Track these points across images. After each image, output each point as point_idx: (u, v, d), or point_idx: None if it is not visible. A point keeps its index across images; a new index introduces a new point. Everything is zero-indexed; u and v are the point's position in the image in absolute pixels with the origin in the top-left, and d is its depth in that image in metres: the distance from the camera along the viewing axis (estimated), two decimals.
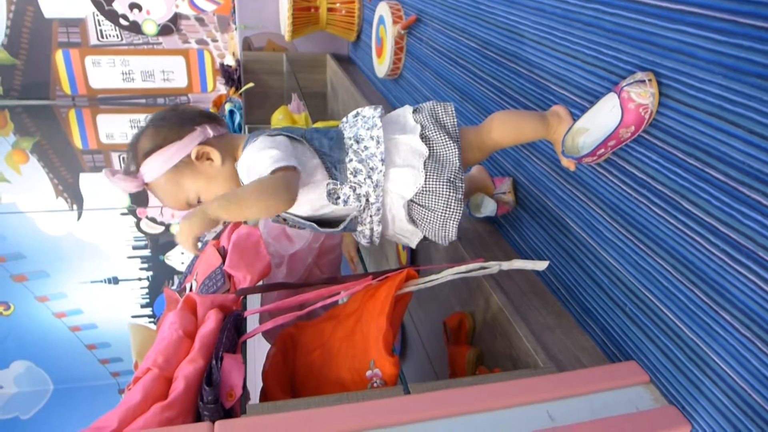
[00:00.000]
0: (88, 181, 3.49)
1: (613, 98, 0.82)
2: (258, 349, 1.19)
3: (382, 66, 2.03)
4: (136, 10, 3.05)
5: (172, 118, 0.93)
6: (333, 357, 0.88)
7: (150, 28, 3.11)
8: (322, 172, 0.86)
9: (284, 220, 0.94)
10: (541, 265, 0.88)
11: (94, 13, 3.04)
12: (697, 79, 0.71)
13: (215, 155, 0.90)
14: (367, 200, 0.87)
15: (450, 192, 0.86)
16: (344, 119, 0.96)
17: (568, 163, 0.97)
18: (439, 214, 0.87)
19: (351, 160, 0.86)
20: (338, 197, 0.86)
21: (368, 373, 0.80)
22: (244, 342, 0.87)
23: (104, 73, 3.20)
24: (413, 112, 0.93)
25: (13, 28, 2.98)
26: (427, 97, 1.71)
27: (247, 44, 2.85)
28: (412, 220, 0.90)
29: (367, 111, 0.93)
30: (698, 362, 0.73)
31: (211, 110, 2.81)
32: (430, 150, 0.88)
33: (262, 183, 0.77)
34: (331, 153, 0.87)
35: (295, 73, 2.69)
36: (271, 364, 0.95)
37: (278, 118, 1.96)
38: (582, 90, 0.94)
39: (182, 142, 0.90)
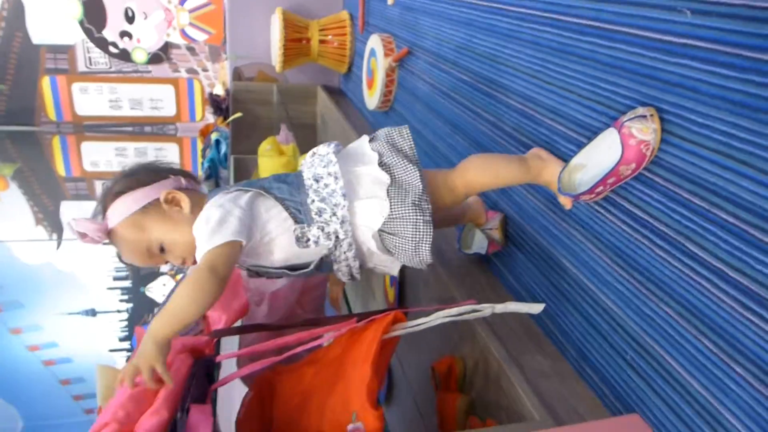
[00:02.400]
0: (69, 210, 3.41)
1: (612, 134, 0.79)
2: (234, 393, 1.11)
3: (372, 98, 2.00)
4: (126, 38, 3.03)
5: (148, 167, 0.93)
6: (313, 406, 0.81)
7: (140, 56, 3.09)
8: (286, 218, 0.85)
9: (257, 273, 0.90)
10: (537, 309, 0.83)
11: (83, 40, 3.02)
12: (701, 114, 0.67)
13: (185, 202, 0.88)
14: (337, 237, 0.85)
15: (416, 215, 0.84)
16: (302, 161, 0.96)
17: (564, 201, 0.93)
18: (410, 239, 0.85)
19: (313, 201, 0.85)
20: (308, 239, 0.85)
21: (350, 426, 0.73)
22: (216, 389, 0.80)
23: (91, 101, 3.16)
24: (370, 141, 0.93)
25: (1, 52, 2.94)
26: (418, 130, 1.68)
27: (237, 74, 2.83)
28: (387, 250, 0.88)
29: (322, 149, 0.93)
30: (707, 418, 0.68)
31: (198, 139, 2.77)
32: (391, 177, 0.87)
33: (189, 285, 0.74)
34: (291, 197, 0.86)
35: (286, 104, 2.66)
36: (246, 411, 0.88)
37: (265, 149, 1.92)
38: (578, 124, 0.91)
39: (153, 186, 0.89)
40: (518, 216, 1.10)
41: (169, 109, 3.25)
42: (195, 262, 0.86)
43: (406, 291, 1.32)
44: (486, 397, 0.92)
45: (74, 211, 3.46)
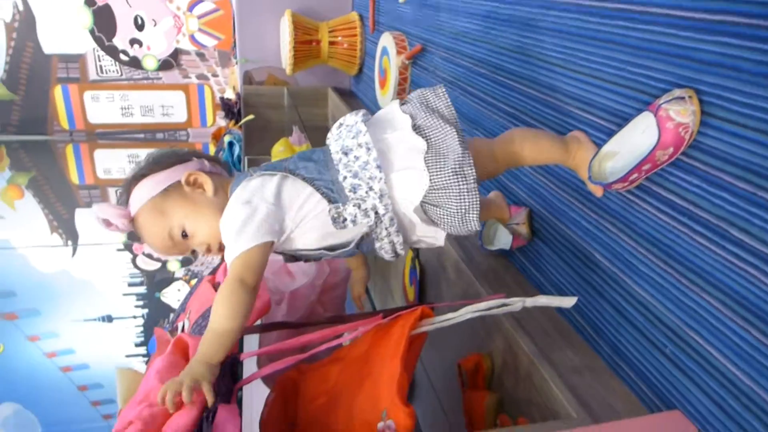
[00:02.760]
0: (84, 217, 3.42)
1: (647, 118, 0.76)
2: (255, 395, 1.09)
3: (385, 97, 1.98)
4: (136, 46, 3.04)
5: (171, 151, 0.90)
6: (339, 405, 0.78)
7: (150, 64, 3.09)
8: (318, 198, 0.79)
9: (293, 257, 0.86)
10: (569, 302, 0.80)
11: (94, 48, 3.03)
12: (743, 93, 0.64)
13: (207, 184, 0.85)
14: (377, 213, 0.79)
15: (459, 183, 0.78)
16: (329, 134, 0.89)
17: (594, 189, 0.90)
18: (455, 210, 0.78)
19: (345, 178, 0.78)
20: (344, 219, 0.79)
21: (380, 424, 0.70)
22: (240, 389, 0.78)
23: (103, 108, 3.17)
24: (401, 105, 0.86)
25: (12, 63, 2.96)
26: None
27: (248, 78, 2.82)
28: (431, 221, 0.82)
29: (349, 118, 0.85)
30: (757, 412, 0.64)
31: (210, 143, 2.76)
32: (427, 141, 0.80)
33: (223, 302, 0.73)
34: (321, 176, 0.80)
35: (297, 106, 2.65)
36: (270, 412, 0.85)
37: (279, 150, 1.90)
38: (607, 112, 0.88)
39: (174, 168, 0.86)
40: (544, 209, 1.07)
41: (180, 115, 3.25)
42: (220, 251, 0.84)
43: (426, 290, 1.30)
44: (516, 394, 0.89)
45: (88, 219, 3.47)
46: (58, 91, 3.06)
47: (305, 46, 2.49)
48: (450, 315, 0.81)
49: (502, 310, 0.82)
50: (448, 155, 0.79)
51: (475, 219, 0.79)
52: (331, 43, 2.53)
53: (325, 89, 2.82)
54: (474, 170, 0.78)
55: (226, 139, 2.21)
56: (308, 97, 2.80)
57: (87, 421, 3.80)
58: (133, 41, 3.02)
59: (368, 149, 0.78)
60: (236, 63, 2.87)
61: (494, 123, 1.26)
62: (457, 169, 0.78)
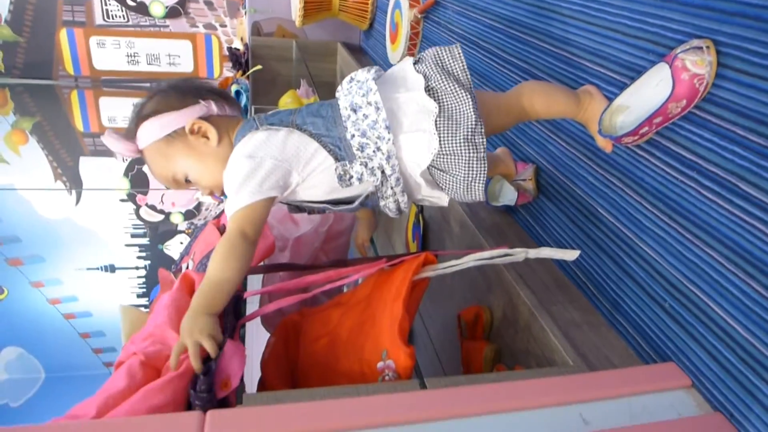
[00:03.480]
0: (88, 165, 3.41)
1: (662, 69, 0.74)
2: (256, 336, 1.11)
3: (395, 52, 1.95)
4: None
5: (181, 88, 0.87)
6: (340, 346, 0.80)
7: (157, 10, 3.04)
8: (324, 155, 0.78)
9: (298, 207, 0.86)
10: (572, 255, 0.80)
11: None
12: (763, 44, 0.63)
13: (212, 133, 0.83)
14: (383, 172, 0.79)
15: (469, 152, 0.77)
16: (339, 87, 0.86)
17: (604, 144, 0.89)
18: (461, 177, 0.78)
19: (353, 136, 0.77)
20: (351, 177, 0.78)
21: (380, 364, 0.72)
22: (243, 326, 0.79)
23: (109, 55, 3.12)
24: (415, 64, 0.83)
25: (17, 4, 2.90)
26: None
27: (256, 29, 2.77)
28: (437, 185, 0.82)
29: (361, 74, 0.83)
30: (753, 364, 0.65)
31: None
32: (439, 104, 0.78)
33: (223, 254, 0.71)
34: (328, 132, 0.78)
35: (305, 60, 2.61)
36: (272, 352, 0.87)
37: (286, 101, 1.88)
38: (621, 65, 0.86)
39: (180, 112, 0.84)
40: (551, 166, 1.06)
41: (186, 65, 3.21)
42: (223, 194, 0.84)
43: (429, 245, 1.30)
44: (514, 345, 0.90)
45: (93, 167, 3.46)
46: (63, 35, 3.01)
47: None
48: (454, 262, 0.82)
49: (504, 260, 0.83)
50: (460, 121, 0.77)
51: (480, 189, 0.79)
52: None
53: (334, 44, 2.77)
54: (484, 139, 0.78)
55: (233, 88, 2.19)
56: (317, 51, 2.76)
57: (89, 368, 3.88)
58: None
59: (377, 108, 0.77)
60: (245, 13, 2.81)
61: (505, 78, 1.24)
62: (468, 136, 0.77)
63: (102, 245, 3.64)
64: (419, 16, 1.78)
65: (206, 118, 0.85)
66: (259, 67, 2.35)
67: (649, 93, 0.77)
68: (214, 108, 0.87)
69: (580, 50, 0.97)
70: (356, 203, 0.81)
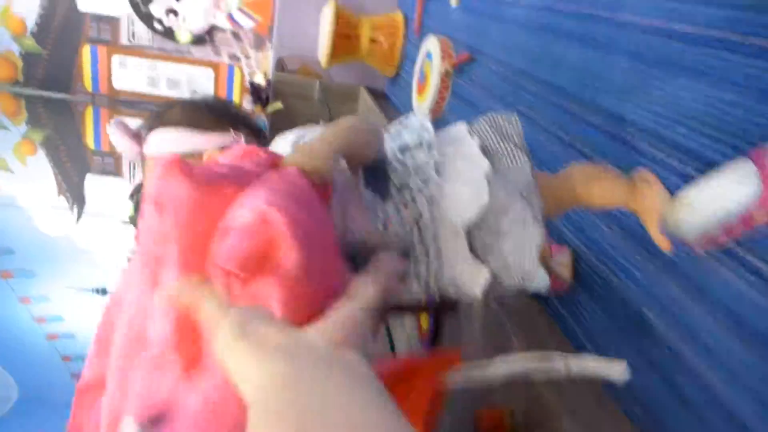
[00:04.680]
0: (93, 184, 3.33)
1: (745, 166, 0.63)
2: None
3: (422, 104, 1.86)
4: (172, 16, 2.95)
5: (215, 107, 0.78)
6: None
7: (184, 36, 3.00)
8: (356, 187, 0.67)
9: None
10: (620, 374, 0.67)
11: (129, 13, 2.94)
12: None
13: None
14: (417, 224, 0.66)
15: (524, 209, 0.66)
16: (385, 132, 0.77)
17: (662, 241, 0.77)
18: (512, 241, 0.66)
19: (395, 170, 0.67)
20: (377, 216, 0.65)
21: None
22: None
23: (129, 75, 3.08)
24: (469, 126, 0.75)
25: (45, 16, 2.88)
26: None
27: (280, 65, 2.72)
28: (476, 254, 0.68)
29: (414, 118, 0.75)
30: None
31: None
32: (492, 164, 0.69)
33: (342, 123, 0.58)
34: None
35: (327, 101, 2.54)
36: None
37: None
38: (687, 153, 0.75)
39: (207, 134, 0.74)
40: (591, 254, 0.94)
41: (206, 93, 3.15)
42: None
43: (443, 320, 1.17)
44: None
45: (98, 186, 3.38)
46: (86, 51, 2.98)
47: (344, 40, 2.38)
48: (480, 368, 0.69)
49: (541, 373, 0.70)
50: (515, 180, 0.69)
51: (533, 261, 0.66)
52: (371, 41, 2.42)
53: (357, 88, 2.71)
54: (542, 204, 0.67)
55: None
56: (340, 93, 2.70)
57: (65, 393, 3.71)
58: (170, 11, 2.93)
59: (429, 148, 0.68)
60: (271, 48, 2.77)
61: (546, 151, 1.13)
62: (524, 194, 0.67)
63: (96, 267, 3.52)
64: (451, 70, 1.70)
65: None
66: (279, 105, 2.28)
67: (726, 192, 0.66)
68: (242, 143, 0.76)
69: (637, 129, 0.86)
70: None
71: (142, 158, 0.74)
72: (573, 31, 1.08)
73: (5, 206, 3.28)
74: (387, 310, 0.54)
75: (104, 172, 3.25)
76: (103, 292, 3.66)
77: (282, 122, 2.64)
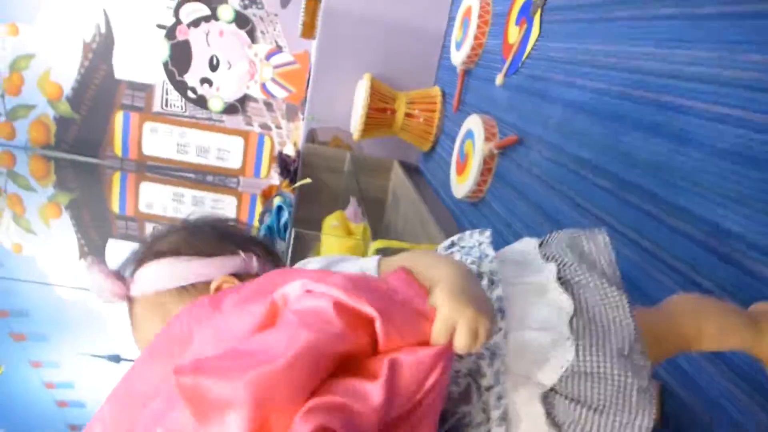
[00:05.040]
0: (115, 248, 3.27)
1: None
2: None
3: (462, 185, 1.74)
4: (206, 85, 2.95)
5: (219, 229, 0.66)
6: None
7: (216, 105, 3.00)
8: None
9: None
10: None
11: (164, 81, 2.96)
12: None
13: None
14: (477, 382, 0.51)
15: (624, 375, 0.50)
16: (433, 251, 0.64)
17: None
18: (609, 416, 0.50)
19: None
20: None
21: None
22: None
23: (159, 141, 3.07)
24: (540, 246, 0.61)
25: (82, 82, 2.92)
26: (519, 234, 1.39)
27: (311, 136, 2.66)
28: (555, 424, 0.52)
29: (468, 238, 0.61)
30: None
31: (259, 199, 2.58)
32: (576, 303, 0.54)
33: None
34: None
35: (358, 174, 2.45)
36: None
37: (332, 224, 1.68)
38: None
39: (210, 260, 0.61)
40: (688, 394, 0.77)
41: (234, 161, 3.12)
42: None
43: None
44: None
45: (120, 250, 3.32)
46: (119, 117, 2.99)
47: (379, 114, 2.31)
48: None
49: None
50: (610, 329, 0.52)
51: None
52: (407, 115, 2.35)
53: (390, 161, 2.62)
54: (649, 362, 0.51)
55: (276, 201, 2.02)
56: (371, 166, 2.61)
57: None
58: (204, 80, 2.94)
59: (492, 282, 0.53)
60: (303, 119, 2.72)
61: (627, 264, 0.98)
62: (624, 351, 0.51)
63: (111, 333, 3.42)
64: (495, 152, 1.59)
65: (240, 276, 0.61)
66: (308, 180, 2.19)
67: None
68: (254, 265, 0.63)
69: (742, 242, 0.71)
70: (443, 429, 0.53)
71: (129, 302, 0.61)
72: (646, 119, 0.95)
73: (24, 268, 3.23)
74: None
75: (127, 237, 3.19)
76: (116, 359, 3.52)
77: (309, 194, 2.55)
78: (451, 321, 0.42)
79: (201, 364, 0.35)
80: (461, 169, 1.78)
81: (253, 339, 0.39)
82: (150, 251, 0.63)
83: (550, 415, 0.52)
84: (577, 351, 0.50)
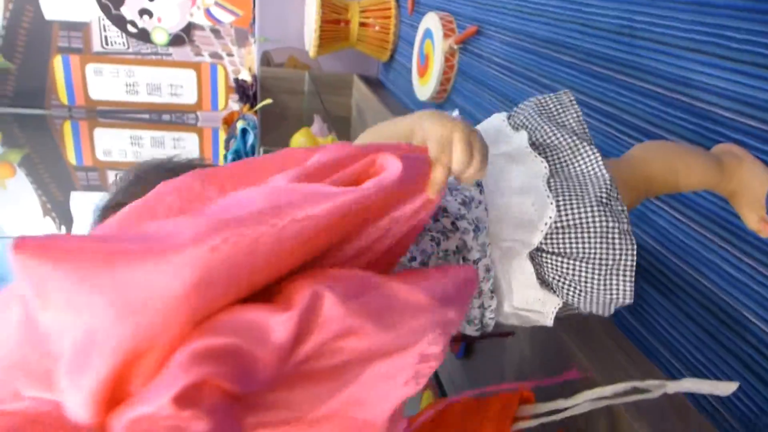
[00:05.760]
0: (79, 201, 3.18)
1: None
2: None
3: (425, 87, 1.72)
4: (146, 17, 2.78)
5: (162, 169, 0.63)
6: None
7: (160, 38, 2.84)
8: None
9: None
10: (728, 388, 0.54)
11: (99, 17, 2.77)
12: None
13: None
14: (464, 257, 0.52)
15: (605, 220, 0.51)
16: None
17: (760, 227, 0.63)
18: (595, 262, 0.52)
19: None
20: (412, 257, 0.52)
21: None
22: None
23: (106, 84, 2.91)
24: (508, 119, 0.60)
25: (10, 28, 2.71)
26: None
27: (266, 59, 2.56)
28: (544, 282, 0.55)
29: None
30: None
31: (221, 129, 2.51)
32: (550, 165, 0.55)
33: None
34: None
35: (319, 93, 2.39)
36: None
37: (299, 141, 1.65)
38: None
39: None
40: (658, 244, 0.80)
41: (189, 96, 2.99)
42: None
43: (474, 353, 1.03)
44: None
45: (85, 202, 3.22)
46: (57, 62, 2.81)
47: (332, 26, 2.23)
48: (561, 403, 0.56)
49: (634, 398, 0.57)
50: (586, 182, 0.54)
51: (626, 285, 0.52)
52: (362, 25, 2.27)
53: (350, 76, 2.56)
54: (625, 208, 0.53)
55: (239, 125, 1.96)
56: (331, 83, 2.55)
57: None
58: (143, 11, 2.76)
59: None
60: (254, 42, 2.61)
61: (595, 131, 0.99)
62: (603, 198, 0.52)
63: None
64: (455, 47, 1.55)
65: None
66: (269, 101, 2.13)
67: None
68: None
69: (704, 91, 0.72)
70: None
71: None
72: None
73: None
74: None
75: (90, 188, 3.09)
76: None
77: (273, 119, 2.49)
78: (443, 138, 0.40)
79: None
80: (423, 71, 1.75)
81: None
82: (107, 211, 0.60)
83: (539, 274, 0.54)
84: (558, 208, 0.52)
